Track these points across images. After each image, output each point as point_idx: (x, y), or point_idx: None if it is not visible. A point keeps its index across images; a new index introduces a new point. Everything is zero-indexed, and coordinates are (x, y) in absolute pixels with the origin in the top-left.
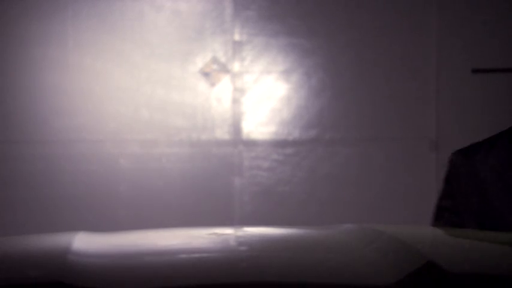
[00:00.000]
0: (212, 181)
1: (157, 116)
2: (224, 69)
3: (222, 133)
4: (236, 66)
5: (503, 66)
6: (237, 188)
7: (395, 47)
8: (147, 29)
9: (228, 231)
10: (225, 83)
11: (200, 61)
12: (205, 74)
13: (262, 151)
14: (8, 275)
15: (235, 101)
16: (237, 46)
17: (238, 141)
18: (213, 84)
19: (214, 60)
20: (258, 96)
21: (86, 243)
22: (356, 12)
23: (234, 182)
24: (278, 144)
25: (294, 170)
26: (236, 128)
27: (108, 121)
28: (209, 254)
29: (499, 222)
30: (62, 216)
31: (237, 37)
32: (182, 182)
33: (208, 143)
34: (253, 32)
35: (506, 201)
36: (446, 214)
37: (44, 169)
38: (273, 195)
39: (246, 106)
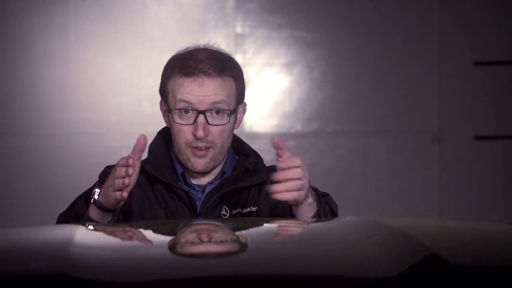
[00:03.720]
0: None
1: (159, 109)
2: None
3: None
4: (238, 58)
5: (505, 58)
6: None
7: (397, 40)
8: (149, 22)
9: (230, 223)
10: None
11: None
12: None
13: (264, 144)
14: (11, 267)
15: None
16: (239, 39)
17: (241, 133)
18: None
19: None
20: (260, 89)
21: (88, 235)
22: (358, 5)
23: None
24: (280, 137)
25: None
26: None
27: (110, 114)
28: (210, 245)
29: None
30: (64, 209)
31: (239, 30)
32: None
33: None
34: (255, 25)
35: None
36: None
37: (46, 162)
38: None
39: (248, 99)
